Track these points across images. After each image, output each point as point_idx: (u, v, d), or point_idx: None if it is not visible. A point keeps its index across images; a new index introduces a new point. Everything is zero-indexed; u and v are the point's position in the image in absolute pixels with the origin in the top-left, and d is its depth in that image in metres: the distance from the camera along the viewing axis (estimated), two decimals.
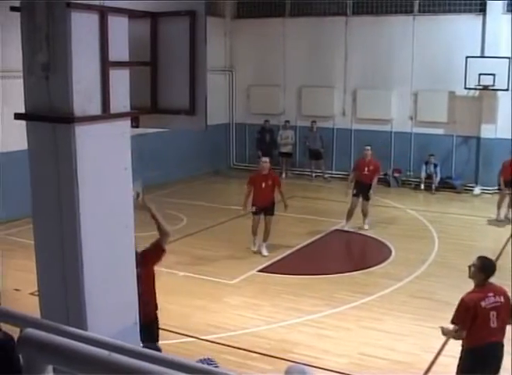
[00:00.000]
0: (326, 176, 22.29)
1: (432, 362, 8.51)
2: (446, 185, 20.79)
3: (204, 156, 22.87)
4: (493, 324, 6.66)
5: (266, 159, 13.81)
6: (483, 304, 6.67)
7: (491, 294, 6.75)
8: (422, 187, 20.73)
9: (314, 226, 15.72)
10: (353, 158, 21.91)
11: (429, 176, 20.75)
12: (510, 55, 19.60)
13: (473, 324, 6.69)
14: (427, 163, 20.83)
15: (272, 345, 9.09)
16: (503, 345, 6.80)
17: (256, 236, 13.70)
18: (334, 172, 22.62)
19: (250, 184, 13.61)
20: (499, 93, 20.27)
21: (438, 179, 20.51)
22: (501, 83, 19.70)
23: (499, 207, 16.63)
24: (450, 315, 7.30)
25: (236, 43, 24.27)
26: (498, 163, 20.18)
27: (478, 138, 21.02)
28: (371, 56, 22.01)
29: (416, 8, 21.36)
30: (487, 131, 20.83)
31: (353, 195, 15.37)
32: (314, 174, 22.45)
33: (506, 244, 14.32)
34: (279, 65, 23.36)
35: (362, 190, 15.30)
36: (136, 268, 4.88)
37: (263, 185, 13.43)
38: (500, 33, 20.12)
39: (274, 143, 22.78)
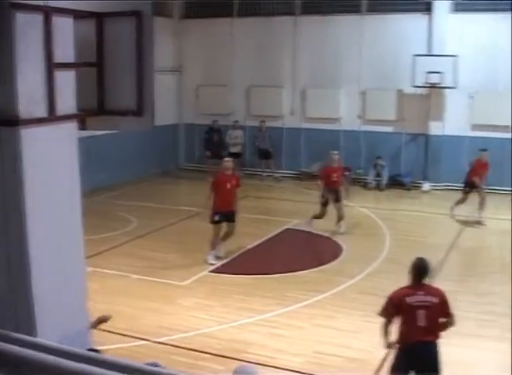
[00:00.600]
0: (277, 175, 22.33)
1: (384, 359, 8.56)
2: (396, 182, 21.05)
3: (152, 157, 22.70)
4: (421, 323, 6.73)
5: (229, 159, 13.48)
6: (408, 300, 6.78)
7: (421, 292, 6.84)
8: (373, 185, 20.96)
9: (266, 226, 15.76)
10: (302, 157, 22.09)
11: (378, 175, 21.02)
12: (456, 54, 19.93)
13: (401, 321, 6.86)
14: (375, 166, 21.10)
15: (224, 345, 9.05)
16: (435, 345, 6.85)
17: (216, 247, 13.13)
18: (284, 171, 22.71)
19: (214, 187, 12.93)
20: (447, 90, 20.59)
21: (385, 181, 20.79)
22: (448, 80, 20.02)
23: (457, 204, 16.55)
24: None
25: (185, 43, 24.15)
26: (446, 160, 20.62)
27: (427, 135, 21.33)
28: (320, 56, 22.15)
29: (364, 7, 21.56)
30: (435, 128, 21.16)
31: (323, 205, 15.12)
32: (264, 174, 22.46)
33: (455, 240, 14.58)
34: (227, 65, 23.33)
35: (333, 194, 15.08)
36: None
37: (228, 186, 12.88)
38: (446, 31, 20.48)
39: (222, 143, 22.71)
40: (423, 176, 21.04)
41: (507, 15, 19.70)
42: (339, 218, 15.24)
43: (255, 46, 22.95)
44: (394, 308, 6.87)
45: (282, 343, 9.18)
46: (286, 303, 10.67)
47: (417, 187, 20.72)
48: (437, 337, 6.89)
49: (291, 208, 16.03)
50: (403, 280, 9.88)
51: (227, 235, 13.21)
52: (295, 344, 9.16)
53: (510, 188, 19.54)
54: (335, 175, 15.06)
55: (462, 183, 16.83)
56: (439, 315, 6.86)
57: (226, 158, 13.58)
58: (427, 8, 20.83)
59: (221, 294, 11.20)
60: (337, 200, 15.20)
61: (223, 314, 10.26)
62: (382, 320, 6.97)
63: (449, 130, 20.99)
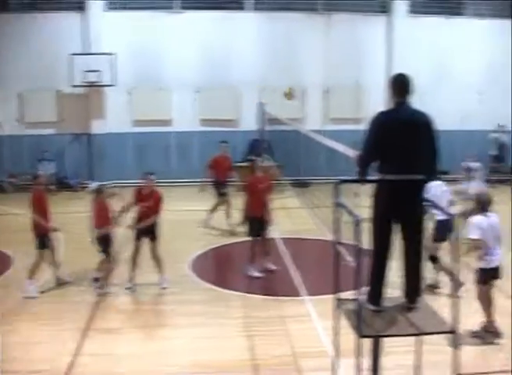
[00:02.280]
0: None
1: (72, 364, 8.26)
2: (64, 185, 20.57)
3: None
4: None
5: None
6: None
7: None
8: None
9: None
10: None
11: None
12: (113, 51, 20.01)
13: None
14: (41, 160, 20.42)
15: None
16: None
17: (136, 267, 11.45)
18: None
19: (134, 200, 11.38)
20: (106, 88, 20.63)
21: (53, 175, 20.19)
22: (106, 78, 20.04)
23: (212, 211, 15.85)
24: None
25: None
26: (111, 158, 20.65)
27: (89, 135, 21.17)
28: None
29: (16, 6, 20.67)
30: (97, 127, 21.09)
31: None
32: None
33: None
34: None
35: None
36: None
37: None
38: (102, 30, 20.46)
39: None
40: (89, 176, 20.78)
41: (162, 13, 20.45)
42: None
43: None
44: None
45: None
46: None
47: (85, 187, 20.38)
48: None
49: None
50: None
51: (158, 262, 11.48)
52: None
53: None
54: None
55: (213, 184, 15.96)
56: None
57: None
58: (81, 7, 20.61)
59: None
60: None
61: None
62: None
63: (111, 128, 21.09)
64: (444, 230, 10.73)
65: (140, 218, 11.25)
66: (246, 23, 21.56)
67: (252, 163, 13.35)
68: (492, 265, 8.95)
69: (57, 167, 20.66)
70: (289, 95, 20.60)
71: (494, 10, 22.97)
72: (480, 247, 8.83)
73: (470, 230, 8.88)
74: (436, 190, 10.79)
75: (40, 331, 9.42)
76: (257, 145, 17.81)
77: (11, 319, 9.82)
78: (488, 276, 8.93)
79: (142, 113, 21.04)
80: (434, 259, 10.84)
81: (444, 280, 10.50)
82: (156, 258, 11.39)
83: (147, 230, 11.30)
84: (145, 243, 11.35)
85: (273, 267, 12.27)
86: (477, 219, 8.93)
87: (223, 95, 21.41)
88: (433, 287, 10.91)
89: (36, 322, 9.78)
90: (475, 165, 17.50)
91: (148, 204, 11.20)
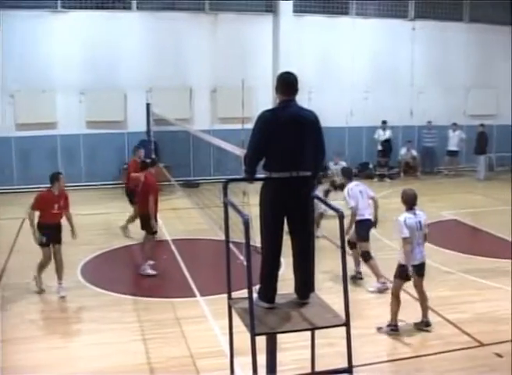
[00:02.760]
0: None
1: None
2: None
3: None
4: None
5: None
6: None
7: None
8: None
9: None
10: None
11: None
12: None
13: None
14: None
15: None
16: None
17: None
18: None
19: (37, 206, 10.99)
20: None
21: None
22: None
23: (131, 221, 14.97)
24: None
25: None
26: None
27: None
28: None
29: None
30: None
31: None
32: None
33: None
34: None
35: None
36: None
37: (55, 207, 11.03)
38: None
39: None
40: None
41: (44, 12, 19.89)
42: None
43: None
44: None
45: None
46: None
47: None
48: None
49: None
50: None
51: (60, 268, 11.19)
52: None
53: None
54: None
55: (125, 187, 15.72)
56: None
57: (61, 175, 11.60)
58: None
59: None
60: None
61: None
62: None
63: None
64: (366, 229, 11.25)
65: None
66: (131, 23, 21.28)
67: (151, 162, 13.23)
68: (416, 262, 9.16)
69: None
70: None
71: (378, 10, 23.69)
72: (410, 243, 9.03)
73: (400, 229, 9.10)
74: (354, 191, 11.19)
75: None
76: (145, 146, 17.65)
77: None
78: (406, 273, 9.13)
79: (26, 116, 20.41)
80: (366, 256, 11.22)
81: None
82: (59, 263, 11.08)
83: (54, 234, 11.02)
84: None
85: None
86: (404, 216, 9.14)
87: (109, 96, 21.05)
88: (356, 279, 11.60)
89: None
90: (342, 163, 18.21)
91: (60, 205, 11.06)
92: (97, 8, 20.89)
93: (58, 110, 20.84)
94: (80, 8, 20.77)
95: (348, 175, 11.95)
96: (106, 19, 20.98)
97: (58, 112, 20.86)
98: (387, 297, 9.84)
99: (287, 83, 5.90)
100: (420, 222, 9.19)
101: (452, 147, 24.08)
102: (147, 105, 20.08)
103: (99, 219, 16.64)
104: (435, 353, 8.72)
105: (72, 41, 20.76)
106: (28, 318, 9.92)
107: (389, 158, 23.35)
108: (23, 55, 20.19)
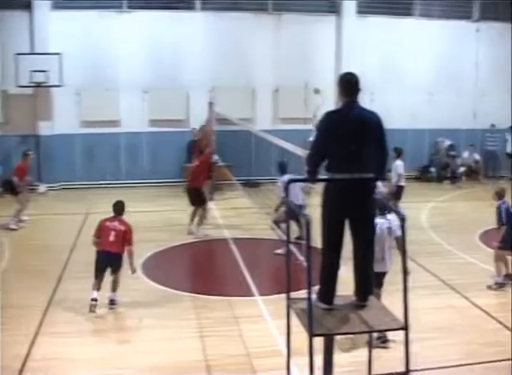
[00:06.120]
0: None
1: (22, 369, 8.14)
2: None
3: None
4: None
5: None
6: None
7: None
8: None
9: None
10: None
11: None
12: (61, 51, 19.73)
13: None
14: None
15: None
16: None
17: None
18: None
19: None
20: (54, 89, 20.36)
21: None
22: (54, 79, 19.77)
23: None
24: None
25: None
26: (60, 159, 20.42)
27: (37, 136, 20.85)
28: None
29: None
30: (45, 128, 20.79)
31: None
32: None
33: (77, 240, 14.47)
34: None
35: None
36: None
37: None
38: (49, 29, 20.19)
39: None
40: (38, 178, 20.43)
41: (109, 12, 20.32)
42: None
43: None
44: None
45: None
46: None
47: (34, 189, 20.09)
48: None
49: None
50: (31, 285, 9.56)
51: None
52: None
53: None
54: None
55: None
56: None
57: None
58: (27, 6, 20.28)
59: None
60: None
61: None
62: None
63: (59, 129, 20.83)
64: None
65: None
66: (195, 22, 21.50)
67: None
68: (386, 269, 8.73)
69: (3, 170, 20.26)
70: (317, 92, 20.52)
71: (442, 11, 23.36)
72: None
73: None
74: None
75: None
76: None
77: None
78: (381, 280, 8.61)
79: (90, 114, 20.82)
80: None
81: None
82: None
83: None
84: None
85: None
86: (377, 221, 7.84)
87: (172, 95, 21.29)
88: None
89: None
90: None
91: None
92: (162, 8, 21.16)
93: (121, 108, 21.20)
94: (145, 8, 21.08)
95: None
96: (170, 19, 21.24)
97: (122, 111, 21.24)
98: (446, 301, 9.68)
99: (350, 85, 5.89)
100: (393, 227, 8.61)
101: (510, 149, 23.71)
102: (210, 104, 20.15)
103: (159, 217, 16.85)
104: (497, 361, 8.50)
105: (136, 40, 21.11)
106: (86, 311, 10.09)
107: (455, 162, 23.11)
108: (89, 53, 20.59)
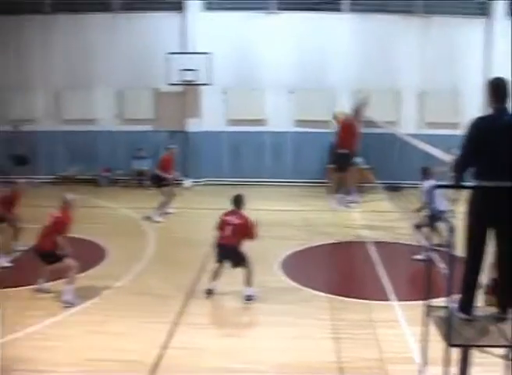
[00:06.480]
0: (36, 181, 20.68)
1: (161, 356, 8.45)
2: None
3: None
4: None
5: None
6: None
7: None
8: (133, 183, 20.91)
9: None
10: (60, 161, 21.35)
11: (141, 173, 20.90)
12: (209, 51, 20.31)
13: None
14: (138, 158, 21.10)
15: None
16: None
17: None
18: (43, 176, 21.53)
19: None
20: (202, 87, 20.98)
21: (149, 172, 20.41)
22: (202, 78, 20.36)
23: None
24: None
25: None
26: (206, 156, 21.01)
27: (185, 132, 21.55)
28: (73, 55, 21.47)
29: (116, 6, 21.26)
30: (193, 125, 21.46)
31: None
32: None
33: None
34: None
35: None
36: None
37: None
38: (199, 29, 20.83)
39: None
40: (184, 173, 21.12)
41: (258, 13, 20.66)
42: None
43: None
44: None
45: (57, 355, 8.63)
46: (52, 313, 10.08)
47: (179, 183, 20.79)
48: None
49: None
50: (172, 277, 9.90)
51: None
52: (68, 354, 8.66)
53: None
54: None
55: None
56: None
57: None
58: (179, 7, 21.02)
59: None
60: None
61: None
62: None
63: (206, 126, 21.43)
64: None
65: None
66: (341, 24, 21.42)
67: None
68: None
69: (152, 164, 21.09)
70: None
71: None
72: None
73: None
74: None
75: (127, 323, 9.70)
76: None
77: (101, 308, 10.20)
78: None
79: (236, 112, 21.28)
80: None
81: None
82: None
83: None
84: None
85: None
86: None
87: (317, 96, 21.35)
88: None
89: (123, 313, 10.09)
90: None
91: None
92: (309, 9, 21.25)
93: (266, 108, 21.50)
94: (293, 9, 21.24)
95: None
96: (317, 20, 21.27)
97: (267, 110, 21.52)
98: None
99: (499, 90, 5.70)
100: None
101: None
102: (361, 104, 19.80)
103: (299, 216, 16.97)
104: None
105: (283, 41, 21.32)
106: (221, 304, 10.31)
107: None
108: (236, 53, 21.03)
